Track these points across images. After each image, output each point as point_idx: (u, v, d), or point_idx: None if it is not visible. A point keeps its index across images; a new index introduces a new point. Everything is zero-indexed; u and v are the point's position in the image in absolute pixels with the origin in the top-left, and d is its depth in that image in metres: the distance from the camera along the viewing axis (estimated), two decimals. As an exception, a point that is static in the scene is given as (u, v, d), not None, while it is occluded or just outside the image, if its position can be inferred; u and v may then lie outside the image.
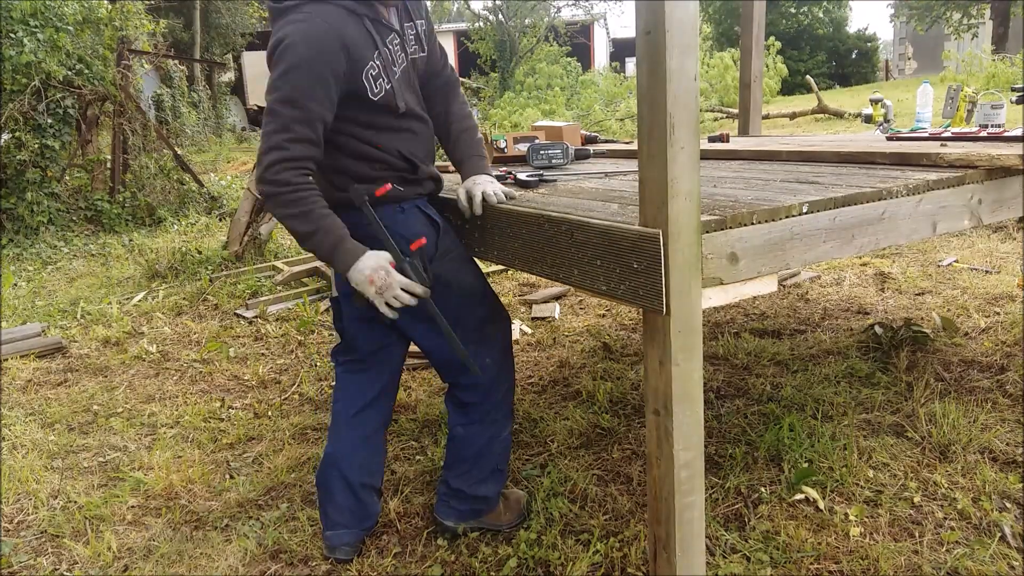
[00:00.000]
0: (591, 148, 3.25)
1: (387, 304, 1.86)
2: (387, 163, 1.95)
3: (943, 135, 2.87)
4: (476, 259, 2.19)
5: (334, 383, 2.25)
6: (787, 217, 1.67)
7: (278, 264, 5.57)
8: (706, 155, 3.03)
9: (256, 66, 22.77)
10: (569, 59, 21.07)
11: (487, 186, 2.04)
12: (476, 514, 2.21)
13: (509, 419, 2.21)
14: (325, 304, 4.64)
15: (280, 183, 1.77)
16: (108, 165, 8.09)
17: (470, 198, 2.04)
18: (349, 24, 1.81)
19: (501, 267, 5.08)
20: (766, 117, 12.47)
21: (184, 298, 4.99)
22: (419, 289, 1.87)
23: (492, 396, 2.14)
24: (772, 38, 17.15)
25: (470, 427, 2.16)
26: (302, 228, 1.81)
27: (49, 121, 7.40)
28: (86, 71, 7.73)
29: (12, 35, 7.12)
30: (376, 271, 1.82)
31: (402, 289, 1.85)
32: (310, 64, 1.75)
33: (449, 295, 1.99)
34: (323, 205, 1.82)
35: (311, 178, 1.82)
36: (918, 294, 4.25)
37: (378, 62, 1.87)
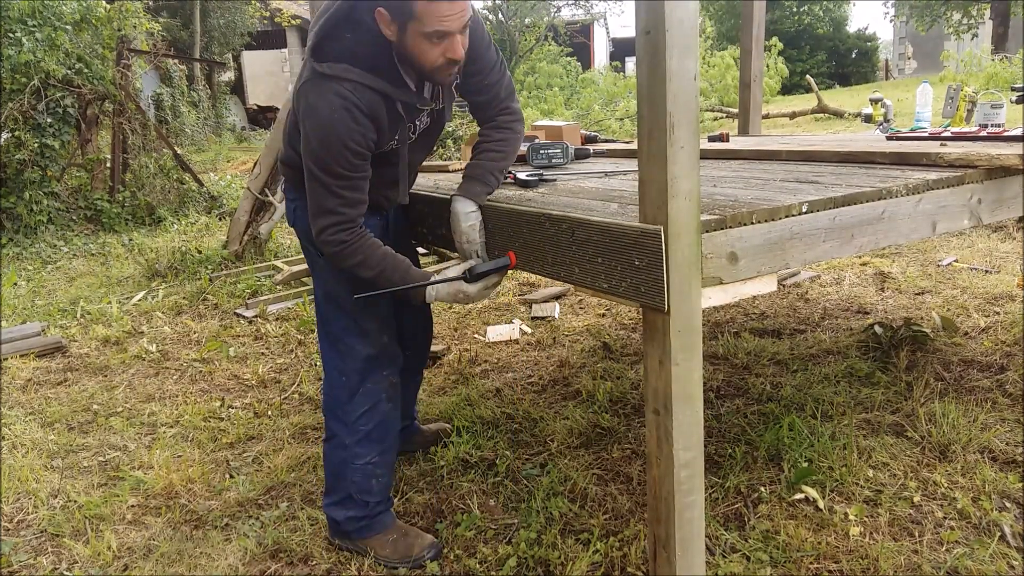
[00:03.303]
0: (591, 148, 3.25)
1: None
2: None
3: (943, 135, 2.87)
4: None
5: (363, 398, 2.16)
6: (787, 217, 1.67)
7: (278, 263, 5.57)
8: (706, 155, 3.03)
9: (256, 65, 22.77)
10: (569, 59, 21.08)
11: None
12: (339, 534, 2.18)
13: (368, 448, 2.12)
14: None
15: (336, 243, 1.91)
16: (108, 164, 8.09)
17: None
18: (383, 109, 1.86)
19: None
20: (766, 117, 12.48)
21: (184, 297, 4.99)
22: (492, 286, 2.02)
23: (341, 416, 2.13)
24: (774, 38, 17.16)
25: (325, 443, 2.19)
26: (367, 274, 1.94)
27: (49, 120, 7.40)
28: (85, 70, 7.73)
29: (11, 35, 7.12)
30: (453, 297, 1.97)
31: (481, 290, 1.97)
32: (351, 141, 1.83)
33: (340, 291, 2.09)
34: (377, 246, 1.95)
35: (361, 225, 1.95)
36: (918, 294, 4.25)
37: (397, 137, 1.97)
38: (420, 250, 5.63)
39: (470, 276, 1.93)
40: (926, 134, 3.01)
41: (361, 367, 2.12)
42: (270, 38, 22.20)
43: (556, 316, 4.29)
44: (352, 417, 2.12)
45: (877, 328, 3.46)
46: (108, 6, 8.27)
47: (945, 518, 2.13)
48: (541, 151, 2.82)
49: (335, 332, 2.14)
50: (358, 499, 2.13)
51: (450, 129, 12.69)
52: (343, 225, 1.89)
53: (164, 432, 3.02)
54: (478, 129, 2.20)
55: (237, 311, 4.64)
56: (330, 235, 1.89)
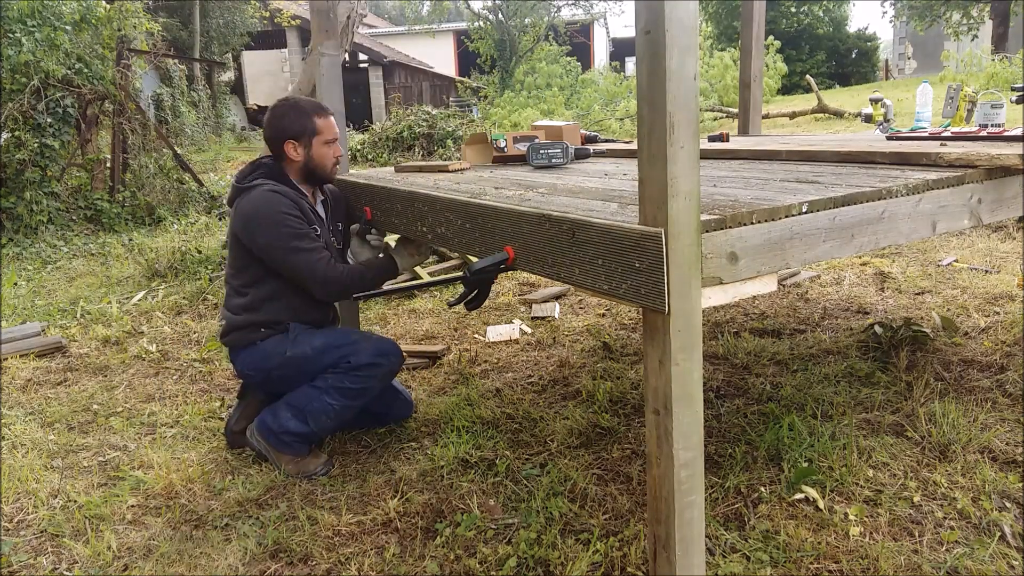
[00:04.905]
0: (591, 148, 3.25)
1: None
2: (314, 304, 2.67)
3: (943, 135, 2.87)
4: (475, 257, 2.19)
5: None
6: (787, 217, 1.67)
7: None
8: (706, 155, 3.04)
9: (256, 65, 22.77)
10: (569, 58, 21.08)
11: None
12: (266, 433, 2.63)
13: (339, 399, 2.58)
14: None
15: (338, 281, 2.53)
16: (108, 164, 8.09)
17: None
18: (294, 195, 2.59)
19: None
20: (766, 116, 12.48)
21: (184, 297, 4.99)
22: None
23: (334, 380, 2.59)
24: (772, 37, 17.15)
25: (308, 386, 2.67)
26: (368, 283, 2.62)
27: (48, 120, 7.40)
28: (85, 70, 7.73)
29: (10, 35, 7.12)
30: (408, 248, 2.72)
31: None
32: (287, 208, 2.52)
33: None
34: (356, 268, 2.63)
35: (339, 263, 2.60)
36: (918, 293, 4.25)
37: (319, 232, 2.61)
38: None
39: (469, 273, 1.94)
40: (926, 134, 3.01)
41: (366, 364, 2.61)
42: (270, 38, 22.19)
43: (556, 316, 4.29)
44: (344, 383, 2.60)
45: (877, 328, 3.46)
46: (108, 6, 8.27)
47: (945, 518, 2.13)
48: (541, 151, 2.82)
49: (332, 374, 2.60)
50: (307, 419, 2.57)
51: (450, 129, 12.70)
52: (332, 266, 2.51)
53: (164, 432, 3.02)
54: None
55: (237, 311, 4.63)
56: (333, 279, 2.50)
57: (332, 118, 2.68)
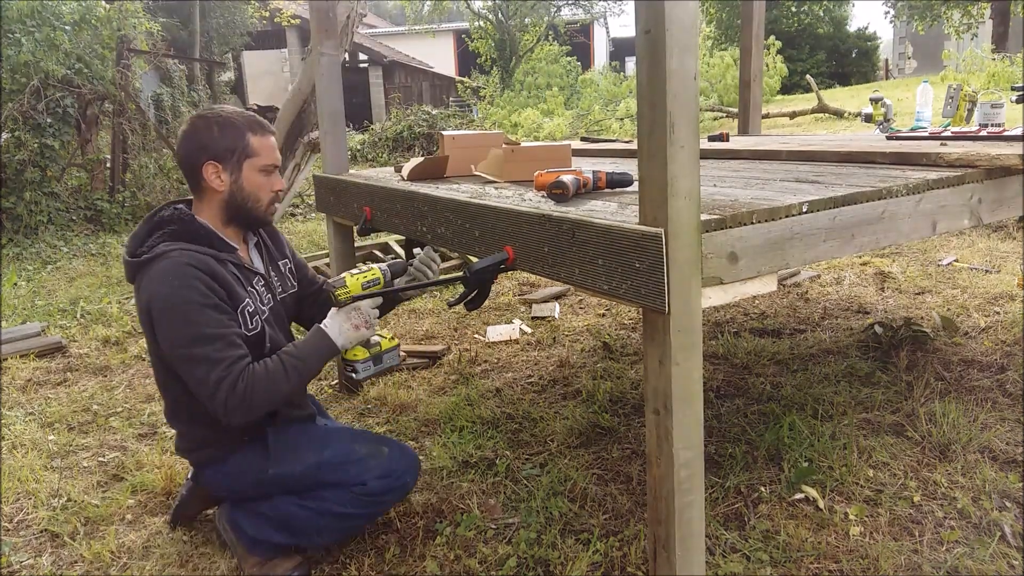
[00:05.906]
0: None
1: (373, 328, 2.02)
2: None
3: (943, 134, 2.87)
4: (475, 257, 2.19)
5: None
6: (787, 216, 1.67)
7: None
8: (706, 154, 3.03)
9: (256, 65, 22.79)
10: (569, 58, 21.09)
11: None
12: (239, 533, 2.11)
13: (335, 521, 2.04)
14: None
15: (244, 404, 1.80)
16: (108, 164, 8.09)
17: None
18: (215, 264, 1.88)
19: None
20: (766, 116, 12.45)
21: (184, 297, 4.98)
22: (377, 301, 2.03)
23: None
24: (772, 37, 17.15)
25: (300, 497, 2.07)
26: (291, 386, 1.87)
27: (48, 120, 7.40)
28: (85, 70, 7.73)
29: (10, 35, 7.12)
30: (350, 321, 1.96)
31: (371, 308, 2.00)
32: (201, 296, 1.81)
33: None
34: (265, 365, 1.85)
35: (249, 371, 1.83)
36: (918, 293, 4.25)
37: (251, 300, 1.95)
38: (416, 250, 5.63)
39: (469, 273, 1.94)
40: (926, 134, 3.01)
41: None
42: (270, 38, 22.20)
43: (556, 316, 4.29)
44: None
45: (877, 328, 3.46)
46: (107, 6, 8.27)
47: (945, 518, 2.13)
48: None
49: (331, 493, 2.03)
50: (294, 534, 2.05)
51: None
52: (237, 382, 1.79)
53: (164, 432, 3.02)
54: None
55: (237, 311, 4.63)
56: (235, 402, 1.79)
57: (273, 140, 2.00)
